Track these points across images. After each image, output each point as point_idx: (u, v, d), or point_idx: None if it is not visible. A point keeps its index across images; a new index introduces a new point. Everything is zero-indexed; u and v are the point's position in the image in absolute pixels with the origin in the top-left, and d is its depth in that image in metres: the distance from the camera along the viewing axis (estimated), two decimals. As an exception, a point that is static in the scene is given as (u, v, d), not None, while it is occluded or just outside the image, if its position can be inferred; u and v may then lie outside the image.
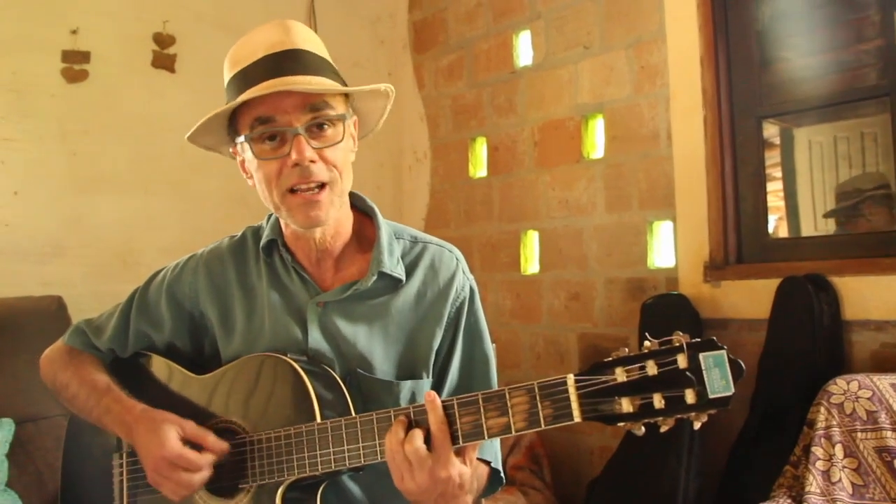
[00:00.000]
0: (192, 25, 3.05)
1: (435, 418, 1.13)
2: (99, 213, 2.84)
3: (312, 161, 1.25)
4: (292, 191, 1.27)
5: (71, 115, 2.79)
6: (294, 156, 1.24)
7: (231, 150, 1.37)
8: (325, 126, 1.28)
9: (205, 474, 1.27)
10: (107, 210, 2.85)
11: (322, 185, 1.28)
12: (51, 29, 2.76)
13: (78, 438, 1.49)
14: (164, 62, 2.99)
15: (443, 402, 1.15)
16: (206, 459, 1.27)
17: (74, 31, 2.79)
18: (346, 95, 1.33)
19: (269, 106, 1.24)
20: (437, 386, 1.38)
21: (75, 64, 2.79)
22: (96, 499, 1.43)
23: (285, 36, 1.29)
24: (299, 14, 3.34)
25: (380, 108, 1.40)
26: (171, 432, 1.27)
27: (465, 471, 1.16)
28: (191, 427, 1.29)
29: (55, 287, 2.60)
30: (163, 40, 2.99)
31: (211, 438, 1.29)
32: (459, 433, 1.14)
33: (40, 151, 2.73)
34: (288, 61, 1.27)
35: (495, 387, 1.41)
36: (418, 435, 1.14)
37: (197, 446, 1.28)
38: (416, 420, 1.17)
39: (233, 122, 1.32)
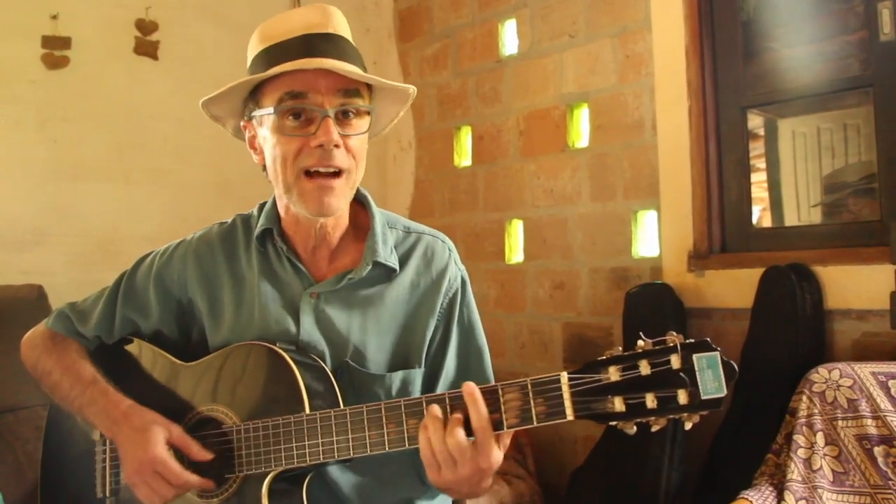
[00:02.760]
0: (175, 12, 3.01)
1: (477, 412, 1.10)
2: (80, 201, 2.80)
3: (336, 145, 1.24)
4: (308, 174, 1.26)
5: (51, 102, 2.75)
6: (321, 136, 1.22)
7: (242, 124, 1.35)
8: (352, 115, 1.27)
9: (180, 492, 1.26)
10: (88, 198, 2.82)
11: (339, 173, 1.27)
12: (30, 14, 2.72)
13: (58, 428, 1.47)
14: (146, 49, 2.96)
15: (433, 396, 1.15)
16: (187, 479, 1.25)
17: (55, 17, 2.75)
18: (370, 91, 1.32)
19: (303, 82, 1.23)
20: (432, 378, 1.37)
21: (56, 50, 2.75)
22: (77, 489, 1.42)
23: (325, 19, 1.29)
24: (284, 1, 3.31)
25: (393, 112, 1.41)
26: (160, 435, 1.26)
27: (500, 456, 1.14)
28: (177, 433, 1.28)
29: (35, 276, 2.57)
30: (145, 27, 2.95)
31: (195, 448, 1.28)
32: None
33: (20, 138, 2.69)
34: (327, 44, 1.26)
35: (491, 377, 1.41)
36: (460, 428, 1.10)
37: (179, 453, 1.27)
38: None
39: (254, 94, 1.29)
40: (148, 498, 1.26)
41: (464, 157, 3.32)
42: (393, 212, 1.50)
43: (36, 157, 2.72)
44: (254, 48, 1.31)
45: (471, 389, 1.11)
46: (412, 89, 1.35)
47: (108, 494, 1.40)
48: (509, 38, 3.13)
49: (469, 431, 1.11)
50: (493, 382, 1.36)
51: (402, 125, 3.55)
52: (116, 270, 1.50)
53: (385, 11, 3.65)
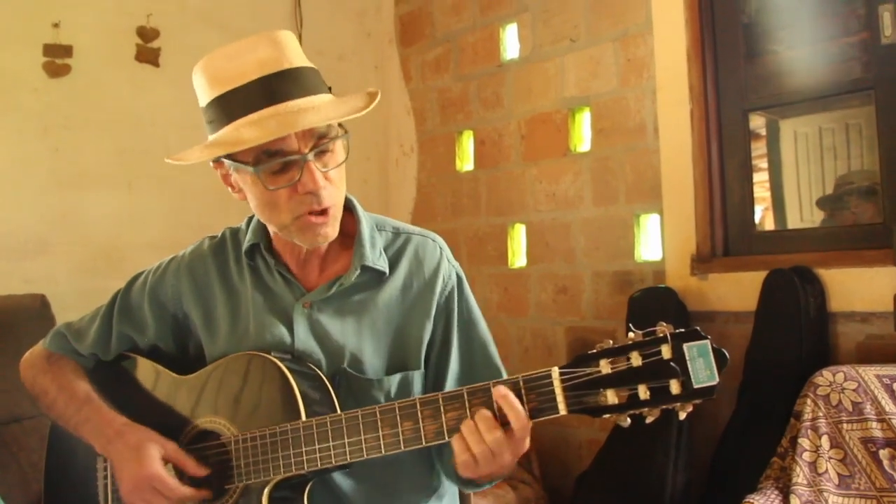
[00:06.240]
0: (176, 19, 3.02)
1: (514, 411, 1.11)
2: (83, 209, 2.81)
3: (323, 188, 1.23)
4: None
5: (53, 110, 2.76)
6: (308, 185, 1.21)
7: (212, 164, 1.31)
8: (329, 148, 1.24)
9: None
10: (91, 206, 2.82)
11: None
12: (32, 22, 2.72)
13: (61, 438, 1.47)
14: (147, 56, 2.96)
15: (426, 397, 1.15)
16: (184, 493, 1.26)
17: (56, 25, 2.76)
18: None
19: (276, 138, 1.19)
20: (439, 378, 1.37)
21: (57, 58, 2.76)
22: (80, 499, 1.42)
23: (277, 52, 1.22)
24: (285, 7, 3.32)
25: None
26: (155, 452, 1.27)
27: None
28: (172, 449, 1.29)
29: (39, 285, 2.57)
30: (146, 34, 2.96)
31: (191, 464, 1.29)
32: (444, 428, 1.14)
33: (22, 147, 2.70)
34: (286, 84, 1.20)
35: (500, 366, 1.40)
36: (496, 425, 1.12)
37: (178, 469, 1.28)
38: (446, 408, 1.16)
39: None
40: None
41: (466, 161, 3.33)
42: (395, 216, 1.49)
43: (38, 165, 2.73)
44: (205, 91, 1.26)
45: (503, 392, 1.12)
46: (376, 102, 1.27)
47: None
48: (510, 43, 3.13)
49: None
50: (502, 371, 1.38)
51: (404, 129, 3.56)
52: (120, 278, 1.50)
53: (386, 16, 3.65)
